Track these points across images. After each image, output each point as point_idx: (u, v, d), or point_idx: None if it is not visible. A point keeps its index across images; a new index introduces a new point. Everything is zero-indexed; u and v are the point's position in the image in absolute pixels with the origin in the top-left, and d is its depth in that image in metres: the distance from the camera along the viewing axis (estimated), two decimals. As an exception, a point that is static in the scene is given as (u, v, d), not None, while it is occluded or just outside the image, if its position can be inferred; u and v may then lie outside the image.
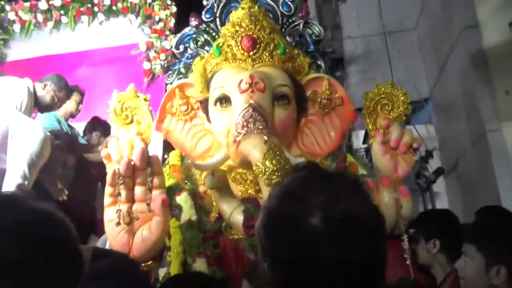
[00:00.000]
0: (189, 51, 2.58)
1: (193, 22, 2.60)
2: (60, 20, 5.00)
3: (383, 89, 2.28)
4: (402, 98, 2.24)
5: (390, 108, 2.26)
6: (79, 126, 4.09)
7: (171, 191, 2.22)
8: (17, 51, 5.05)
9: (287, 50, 2.31)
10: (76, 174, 3.52)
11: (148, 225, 2.07)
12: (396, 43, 5.36)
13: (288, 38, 2.50)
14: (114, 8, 4.95)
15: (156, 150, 2.97)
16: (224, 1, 2.57)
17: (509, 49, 3.77)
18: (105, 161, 2.13)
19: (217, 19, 2.56)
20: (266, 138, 1.99)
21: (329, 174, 0.92)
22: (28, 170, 2.65)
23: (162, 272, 2.11)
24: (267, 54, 2.27)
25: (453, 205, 4.48)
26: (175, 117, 2.44)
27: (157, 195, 2.07)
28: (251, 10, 2.36)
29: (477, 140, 3.98)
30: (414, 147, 2.22)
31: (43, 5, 4.97)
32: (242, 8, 2.38)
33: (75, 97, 3.75)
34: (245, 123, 2.07)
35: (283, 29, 2.55)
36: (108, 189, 2.07)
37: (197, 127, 2.44)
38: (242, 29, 2.29)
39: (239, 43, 2.26)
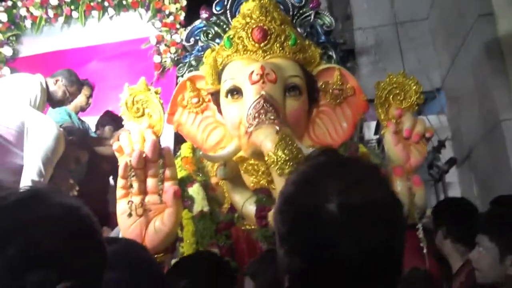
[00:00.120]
0: (199, 43, 2.58)
1: (204, 14, 2.59)
2: (70, 15, 5.03)
3: (395, 79, 2.26)
4: (414, 87, 2.22)
5: (402, 98, 2.24)
6: (90, 120, 4.13)
7: (183, 183, 2.23)
8: (29, 46, 5.09)
9: (298, 41, 2.30)
10: (88, 168, 3.55)
11: (161, 217, 2.08)
12: (408, 33, 5.30)
13: (299, 29, 2.49)
14: (124, 2, 4.96)
15: (167, 142, 2.98)
16: (234, -7, 2.56)
17: (525, 37, 3.71)
18: (117, 154, 2.14)
19: (228, 12, 2.55)
20: (278, 128, 1.99)
21: (347, 160, 0.91)
22: (43, 167, 2.69)
23: (175, 263, 2.13)
24: (278, 45, 2.26)
25: (466, 196, 4.43)
26: (186, 110, 2.44)
27: (169, 187, 2.08)
28: (262, 1, 2.35)
29: (491, 130, 3.93)
30: (426, 137, 2.21)
31: (54, 1, 5.00)
32: (253, 0, 2.37)
33: (85, 91, 3.78)
34: (256, 114, 2.07)
35: (294, 20, 2.54)
36: (120, 182, 2.08)
37: (208, 119, 2.44)
38: (252, 21, 2.28)
39: (249, 35, 2.25)
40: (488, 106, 3.95)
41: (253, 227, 2.12)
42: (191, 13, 4.68)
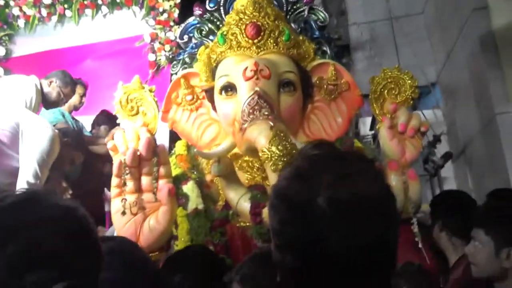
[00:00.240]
0: (193, 40, 2.57)
1: (197, 11, 2.58)
2: (64, 14, 4.99)
3: (389, 73, 2.25)
4: (409, 81, 2.22)
5: (397, 92, 2.23)
6: (85, 119, 4.10)
7: (178, 181, 2.22)
8: (22, 46, 5.05)
9: (292, 37, 2.29)
10: (83, 168, 3.53)
11: (155, 215, 2.08)
12: (403, 28, 5.30)
13: (293, 25, 2.48)
14: (117, 0, 4.93)
15: (162, 140, 2.97)
16: (227, -11, 2.55)
17: (520, 31, 3.71)
18: (111, 153, 2.13)
19: (221, 8, 2.55)
20: (272, 124, 1.98)
21: (340, 154, 0.90)
22: (39, 169, 2.68)
23: (170, 261, 2.12)
24: (271, 41, 2.25)
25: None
26: (180, 107, 2.44)
27: (164, 185, 2.08)
28: (255, -3, 2.34)
29: (486, 124, 3.93)
30: (421, 131, 2.21)
31: (47, 0, 4.96)
32: (246, -4, 2.36)
33: (78, 90, 3.77)
34: (251, 111, 2.06)
35: (288, 16, 2.54)
36: (114, 180, 2.07)
37: (203, 117, 2.44)
38: (246, 17, 2.28)
39: (243, 31, 2.24)
40: (483, 100, 3.95)
41: (247, 224, 2.11)
42: (185, 11, 4.65)
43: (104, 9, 4.94)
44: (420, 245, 1.98)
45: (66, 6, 4.98)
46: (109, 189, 2.25)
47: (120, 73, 4.68)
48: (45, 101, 3.31)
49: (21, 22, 5.01)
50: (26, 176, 2.66)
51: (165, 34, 4.71)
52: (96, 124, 3.99)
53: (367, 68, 5.30)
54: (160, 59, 4.67)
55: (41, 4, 4.98)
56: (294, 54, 2.30)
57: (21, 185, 2.62)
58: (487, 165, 4.00)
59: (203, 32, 2.56)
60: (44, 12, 4.97)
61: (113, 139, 2.14)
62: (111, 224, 2.40)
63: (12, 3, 5.00)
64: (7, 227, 0.84)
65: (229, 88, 2.23)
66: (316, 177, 0.83)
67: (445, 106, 5.14)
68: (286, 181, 0.87)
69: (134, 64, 4.77)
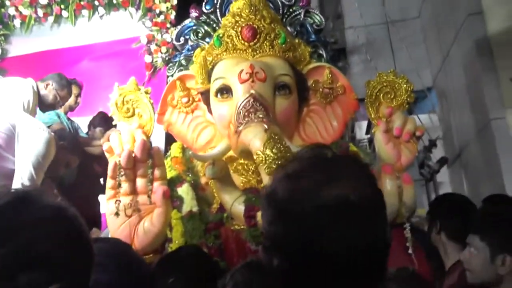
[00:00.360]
0: (189, 43, 2.57)
1: (194, 13, 2.58)
2: (60, 15, 4.98)
3: (385, 77, 2.25)
4: (404, 86, 2.21)
5: (393, 96, 2.23)
6: (81, 120, 4.09)
7: (173, 183, 2.21)
8: (18, 46, 5.04)
9: (288, 40, 2.29)
10: (79, 170, 3.52)
11: (150, 217, 2.07)
12: (399, 32, 5.31)
13: (289, 28, 2.48)
14: (114, 1, 4.92)
15: (158, 142, 2.97)
16: (224, -8, 2.55)
17: (514, 36, 3.73)
18: (107, 154, 2.12)
19: (218, 10, 2.55)
20: (266, 126, 1.98)
21: (331, 157, 0.89)
22: (35, 172, 2.68)
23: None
24: (267, 43, 2.25)
25: (457, 195, 4.46)
26: (176, 109, 2.44)
27: (158, 187, 2.07)
28: (251, 0, 2.34)
29: (482, 129, 3.94)
30: (417, 135, 2.20)
31: (43, 0, 4.95)
32: (242, -1, 2.36)
33: (73, 90, 3.75)
34: (246, 113, 2.07)
35: (284, 19, 2.54)
36: (109, 182, 2.06)
37: (199, 119, 2.44)
38: (242, 19, 2.28)
39: (239, 33, 2.25)
40: (479, 105, 3.96)
41: (242, 227, 2.10)
42: (182, 12, 4.65)
43: (101, 10, 4.94)
44: (410, 250, 1.97)
45: (62, 6, 4.98)
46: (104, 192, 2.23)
47: (116, 74, 4.67)
48: (42, 104, 3.31)
49: (17, 22, 5.00)
50: (22, 178, 2.65)
51: (161, 36, 4.71)
52: (92, 125, 3.98)
53: (363, 71, 5.31)
54: (156, 61, 4.67)
55: (38, 4, 4.97)
56: (290, 57, 2.31)
57: (17, 187, 2.62)
58: (482, 170, 4.01)
59: (199, 34, 2.55)
60: (40, 12, 4.97)
61: (108, 140, 2.13)
62: (106, 226, 2.38)
63: (8, 2, 4.99)
64: None
65: (225, 91, 2.23)
66: (303, 179, 0.84)
67: (441, 111, 5.16)
68: (275, 182, 0.88)
69: (130, 65, 4.76)
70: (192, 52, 2.49)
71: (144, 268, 1.48)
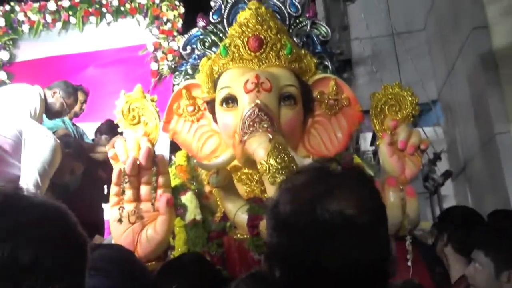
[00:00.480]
0: (196, 52, 2.58)
1: (201, 23, 2.60)
2: (68, 21, 5.02)
3: (390, 89, 2.26)
4: (409, 98, 2.22)
5: (398, 109, 2.23)
6: (85, 126, 4.10)
7: (177, 191, 2.22)
8: (26, 51, 5.07)
9: (294, 50, 2.30)
10: (84, 176, 3.53)
11: (153, 224, 2.07)
12: (404, 44, 5.33)
13: (295, 39, 2.49)
14: (122, 8, 4.96)
15: (162, 150, 2.98)
16: (231, 2, 2.57)
17: (519, 50, 3.73)
18: (112, 161, 2.13)
19: (225, 20, 2.56)
20: (270, 136, 1.99)
21: (334, 171, 0.90)
22: (40, 178, 2.69)
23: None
24: (273, 54, 2.26)
25: (461, 209, 4.43)
26: (182, 118, 2.45)
27: (162, 194, 2.07)
28: (258, 10, 2.35)
29: (486, 143, 3.94)
30: (421, 148, 2.20)
31: (52, 6, 4.99)
32: (249, 9, 2.37)
33: (79, 96, 3.78)
34: (251, 123, 2.07)
35: (290, 30, 2.55)
36: (113, 188, 2.07)
37: (204, 128, 2.45)
38: (249, 30, 2.29)
39: (245, 43, 2.26)
40: (483, 119, 3.96)
41: (245, 236, 2.10)
42: (189, 21, 4.69)
43: (109, 17, 4.97)
44: (409, 263, 1.96)
45: (70, 13, 5.02)
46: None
47: (122, 81, 4.69)
48: (49, 112, 3.34)
49: (25, 27, 5.04)
50: (27, 185, 2.66)
51: (168, 44, 4.73)
52: (98, 132, 4.00)
53: (368, 83, 5.33)
54: (162, 69, 4.69)
55: (46, 10, 5.01)
56: (296, 68, 2.31)
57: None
58: (487, 184, 4.00)
59: (206, 44, 2.56)
60: (48, 18, 5.01)
61: (114, 147, 2.14)
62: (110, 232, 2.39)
63: (17, 8, 5.04)
64: None
65: (230, 100, 2.24)
66: (306, 193, 0.84)
67: (446, 124, 5.15)
68: (279, 194, 0.89)
69: (136, 72, 4.79)
70: (198, 61, 2.50)
71: (146, 275, 1.49)
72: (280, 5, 2.55)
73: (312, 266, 0.80)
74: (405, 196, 2.09)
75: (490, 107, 3.81)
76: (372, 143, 4.68)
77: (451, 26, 4.66)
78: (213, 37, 2.55)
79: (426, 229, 3.02)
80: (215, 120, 2.37)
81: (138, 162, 2.05)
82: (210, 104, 2.36)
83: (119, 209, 2.05)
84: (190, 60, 2.58)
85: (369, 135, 4.77)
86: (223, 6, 2.57)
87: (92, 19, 5.00)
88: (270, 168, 1.91)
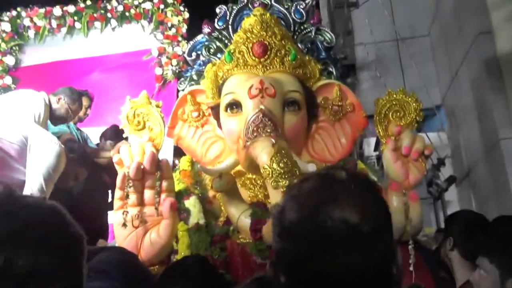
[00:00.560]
0: (201, 58, 2.59)
1: (206, 29, 2.61)
2: (73, 26, 5.06)
3: (394, 95, 2.25)
4: (413, 104, 2.22)
5: (402, 115, 2.23)
6: (89, 131, 4.11)
7: (180, 196, 2.22)
8: (32, 56, 5.12)
9: (298, 57, 2.31)
10: (88, 180, 3.54)
11: (157, 229, 2.08)
12: (409, 50, 5.34)
13: (300, 45, 2.50)
14: (127, 14, 5.00)
15: (166, 155, 2.98)
16: (236, 9, 2.58)
17: (524, 56, 3.73)
18: (117, 166, 2.14)
19: (230, 27, 2.57)
20: (273, 141, 1.99)
21: (340, 179, 0.90)
22: (45, 183, 2.70)
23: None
24: (278, 60, 2.27)
25: (465, 214, 4.42)
26: (186, 123, 2.46)
27: (166, 199, 2.08)
28: (263, 17, 2.37)
29: (490, 148, 3.93)
30: (425, 154, 2.19)
31: (57, 11, 5.04)
32: (254, 16, 2.39)
33: (83, 101, 3.79)
34: (255, 128, 2.08)
35: (295, 36, 2.56)
36: (117, 193, 2.08)
37: (208, 133, 2.46)
38: (253, 36, 2.30)
39: (250, 49, 2.27)
40: (488, 124, 3.96)
41: (248, 240, 2.11)
42: (193, 26, 4.72)
43: (113, 22, 5.01)
44: (411, 268, 1.96)
45: (76, 18, 5.06)
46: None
47: (126, 86, 4.73)
48: (53, 118, 3.35)
49: (31, 33, 5.09)
50: (32, 189, 2.67)
51: (172, 49, 4.76)
52: (103, 137, 4.01)
53: (372, 88, 5.33)
54: (167, 73, 4.71)
55: (52, 15, 5.06)
56: (300, 73, 2.32)
57: None
58: (491, 190, 3.99)
59: (211, 50, 2.58)
60: (54, 23, 5.05)
61: (119, 152, 2.15)
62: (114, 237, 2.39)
63: (23, 13, 5.09)
64: None
65: (235, 106, 2.25)
66: (311, 200, 0.85)
67: (450, 129, 5.15)
68: (285, 201, 0.89)
69: (140, 77, 4.81)
70: (203, 67, 2.51)
71: (149, 277, 1.49)
72: (285, 11, 2.56)
73: (316, 273, 0.81)
74: (408, 200, 2.08)
75: (494, 113, 3.81)
76: (376, 148, 4.68)
77: (455, 32, 4.66)
78: (218, 43, 2.56)
79: (430, 235, 3.02)
80: (219, 125, 2.38)
81: (142, 167, 2.06)
82: (215, 109, 2.37)
83: (123, 213, 2.05)
84: (195, 66, 2.59)
85: (373, 140, 4.78)
86: (228, 13, 2.59)
87: (97, 24, 5.04)
88: (273, 172, 1.92)
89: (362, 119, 2.37)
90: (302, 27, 2.57)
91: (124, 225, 2.03)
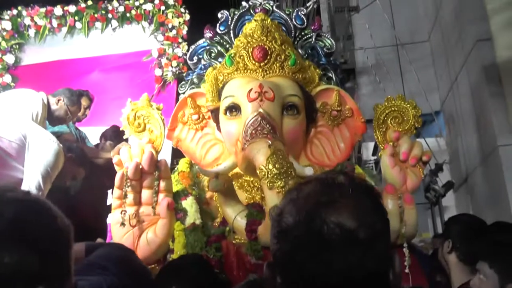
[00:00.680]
0: (202, 62, 2.60)
1: (208, 34, 2.62)
2: (74, 26, 5.07)
3: (393, 101, 2.27)
4: (412, 111, 2.23)
5: (400, 121, 2.25)
6: (88, 130, 4.11)
7: (178, 196, 2.25)
8: (31, 55, 5.12)
9: (298, 61, 2.32)
10: (87, 180, 3.54)
11: (153, 228, 2.10)
12: (408, 55, 5.35)
13: (300, 51, 2.51)
14: (128, 15, 5.00)
15: (164, 156, 2.99)
16: (238, 14, 2.60)
17: (523, 63, 3.74)
18: (116, 167, 2.16)
19: (231, 32, 2.58)
20: (270, 142, 2.00)
21: (339, 183, 0.90)
22: (42, 181, 2.70)
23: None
24: (277, 64, 2.28)
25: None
26: (186, 126, 2.48)
27: (163, 199, 2.10)
28: (264, 22, 2.38)
29: (489, 155, 3.94)
30: (423, 160, 2.21)
31: (58, 11, 5.05)
32: (255, 21, 2.40)
33: (83, 101, 3.79)
34: (253, 131, 2.09)
35: (296, 42, 2.57)
36: (116, 192, 2.10)
37: (208, 136, 2.47)
38: (254, 40, 2.31)
39: (250, 54, 2.28)
40: (486, 130, 3.97)
41: (243, 240, 2.13)
42: (194, 28, 4.73)
43: (114, 22, 5.02)
44: (407, 270, 1.97)
45: (76, 18, 5.07)
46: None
47: (126, 86, 4.73)
48: (52, 118, 3.36)
49: (31, 32, 5.09)
50: (30, 187, 2.68)
51: (172, 50, 4.76)
52: (103, 137, 4.01)
53: (372, 92, 5.35)
54: (166, 75, 4.71)
55: (52, 15, 5.07)
56: (299, 78, 2.33)
57: None
58: (488, 196, 4.00)
59: (212, 54, 2.59)
60: (54, 23, 5.06)
61: (119, 154, 2.17)
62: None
63: (24, 12, 5.09)
64: None
65: (234, 109, 2.26)
66: (308, 203, 0.85)
67: (448, 135, 5.16)
68: (283, 204, 0.90)
69: (140, 78, 4.82)
70: (204, 71, 2.52)
71: (147, 273, 1.50)
72: (286, 17, 2.57)
73: (311, 277, 0.81)
74: (403, 204, 2.10)
75: (493, 119, 3.82)
76: (374, 153, 4.69)
77: (455, 38, 4.68)
78: (219, 48, 2.57)
79: (427, 240, 3.03)
80: (219, 128, 2.39)
81: (140, 167, 2.08)
82: (214, 112, 2.38)
83: (121, 212, 2.07)
84: (196, 70, 2.60)
85: (371, 145, 4.79)
86: (230, 18, 2.60)
87: (98, 24, 5.05)
88: (269, 173, 1.93)
89: (361, 124, 2.38)
90: (302, 33, 2.59)
91: (122, 224, 2.06)
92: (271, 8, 2.57)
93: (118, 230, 2.08)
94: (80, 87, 3.84)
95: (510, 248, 1.81)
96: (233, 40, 2.52)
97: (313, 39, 2.58)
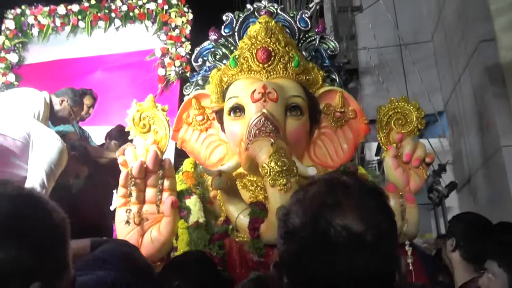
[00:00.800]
0: (207, 64, 2.62)
1: (213, 36, 2.63)
2: (77, 25, 5.07)
3: (396, 103, 2.27)
4: (415, 113, 2.24)
5: (404, 123, 2.25)
6: (91, 129, 4.12)
7: (182, 195, 2.26)
8: (35, 54, 5.13)
9: (301, 63, 2.33)
10: (91, 180, 3.55)
11: (157, 226, 2.11)
12: (412, 55, 5.34)
13: (304, 53, 2.53)
14: (131, 14, 5.01)
15: (168, 155, 3.00)
16: (243, 16, 2.61)
17: (526, 63, 3.74)
18: (121, 168, 2.17)
19: (236, 34, 2.60)
20: (272, 140, 2.02)
21: (346, 185, 0.90)
22: (46, 178, 2.71)
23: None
24: (281, 66, 2.30)
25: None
26: (191, 127, 2.50)
27: (167, 197, 2.11)
28: (268, 24, 2.40)
29: (492, 155, 3.94)
30: (426, 162, 2.21)
31: (61, 10, 5.06)
32: (260, 23, 2.43)
33: (86, 101, 3.80)
34: (257, 131, 2.11)
35: (300, 44, 2.59)
36: (120, 190, 2.11)
37: (212, 137, 2.49)
38: (258, 42, 2.33)
39: (254, 55, 2.29)
40: (489, 131, 3.96)
41: (246, 238, 2.14)
42: (197, 27, 4.73)
43: (117, 22, 5.02)
44: (410, 267, 1.98)
45: (79, 17, 5.08)
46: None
47: (129, 85, 4.74)
48: (56, 119, 3.37)
49: (35, 31, 5.10)
50: (34, 184, 2.68)
51: (176, 50, 4.76)
52: (108, 137, 4.02)
53: (375, 93, 5.34)
54: (169, 74, 4.71)
55: (56, 14, 5.08)
56: (303, 80, 2.34)
57: None
58: (491, 196, 3.99)
59: (217, 56, 2.60)
60: (58, 22, 5.07)
61: (124, 154, 2.18)
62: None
63: (28, 11, 5.10)
64: None
65: (238, 110, 2.27)
66: (315, 204, 0.85)
67: (452, 135, 5.15)
68: (290, 204, 0.90)
69: (143, 77, 4.82)
70: (209, 72, 2.54)
71: (151, 270, 1.50)
72: (290, 20, 2.59)
73: (318, 278, 0.81)
74: (405, 202, 2.10)
75: (496, 120, 3.82)
76: (377, 153, 4.68)
77: (458, 38, 4.67)
78: (224, 50, 2.58)
79: (429, 240, 3.02)
80: (223, 129, 2.41)
81: (145, 165, 2.09)
82: (219, 113, 2.40)
83: (126, 211, 2.09)
84: (201, 71, 2.62)
85: (374, 145, 4.79)
86: (234, 20, 2.61)
87: (101, 23, 5.05)
88: (271, 171, 1.95)
89: (364, 126, 2.39)
90: (306, 35, 2.60)
91: (127, 222, 2.07)
92: (275, 11, 2.59)
93: (122, 228, 2.10)
94: (83, 86, 3.85)
95: None
96: (237, 42, 2.54)
97: (317, 42, 2.59)
